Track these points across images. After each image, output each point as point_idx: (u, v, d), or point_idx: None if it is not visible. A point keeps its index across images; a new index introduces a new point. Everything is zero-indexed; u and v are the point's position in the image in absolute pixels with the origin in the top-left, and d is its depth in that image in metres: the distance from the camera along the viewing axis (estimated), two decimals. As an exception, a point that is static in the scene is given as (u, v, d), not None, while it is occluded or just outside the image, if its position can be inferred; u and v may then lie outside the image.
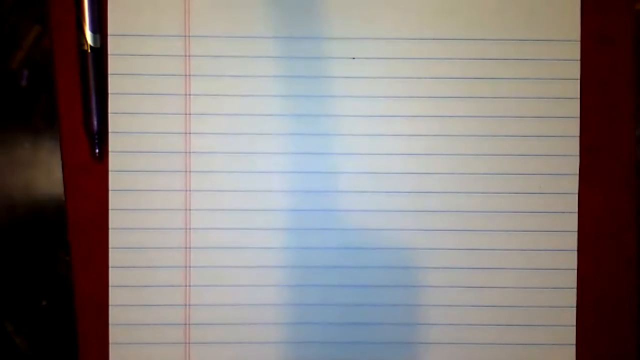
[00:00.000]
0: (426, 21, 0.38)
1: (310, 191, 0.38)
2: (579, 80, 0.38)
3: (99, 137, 0.37)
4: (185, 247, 0.37)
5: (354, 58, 0.38)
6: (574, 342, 0.38)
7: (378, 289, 0.38)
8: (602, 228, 0.38)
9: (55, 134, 0.38)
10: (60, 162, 0.38)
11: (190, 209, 0.37)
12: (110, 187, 0.37)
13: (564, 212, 0.38)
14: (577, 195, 0.38)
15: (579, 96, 0.38)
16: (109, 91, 0.37)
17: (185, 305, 0.38)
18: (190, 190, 0.37)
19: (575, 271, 0.38)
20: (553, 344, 0.38)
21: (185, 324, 0.38)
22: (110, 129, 0.37)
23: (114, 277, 0.37)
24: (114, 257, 0.37)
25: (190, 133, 0.37)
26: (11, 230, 0.38)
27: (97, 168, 0.38)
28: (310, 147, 0.38)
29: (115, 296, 0.37)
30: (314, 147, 0.38)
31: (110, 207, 0.37)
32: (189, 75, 0.37)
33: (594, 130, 0.38)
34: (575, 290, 0.38)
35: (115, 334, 0.38)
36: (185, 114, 0.37)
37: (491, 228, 0.38)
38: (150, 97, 0.37)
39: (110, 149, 0.37)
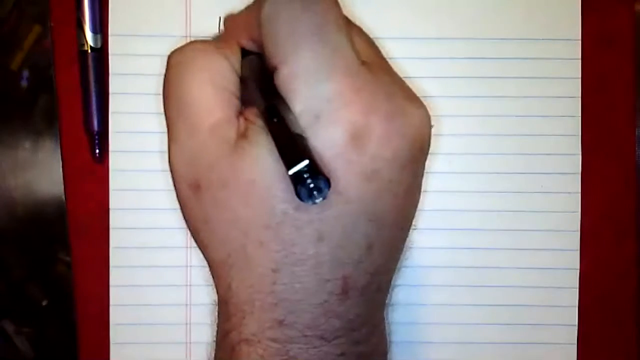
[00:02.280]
0: (426, 21, 0.38)
1: (310, 191, 0.38)
2: (580, 80, 0.38)
3: (99, 137, 0.37)
4: (186, 247, 0.37)
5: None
6: (576, 341, 0.38)
7: (379, 288, 0.38)
8: (604, 227, 0.38)
9: (55, 134, 0.38)
10: (60, 162, 0.38)
11: (191, 209, 0.37)
12: (110, 187, 0.37)
13: (566, 211, 0.38)
14: (579, 195, 0.38)
15: (580, 95, 0.38)
16: (109, 91, 0.37)
17: (186, 304, 0.38)
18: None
19: (578, 270, 0.38)
20: (555, 343, 0.38)
21: (186, 324, 0.38)
22: (110, 129, 0.37)
23: (114, 277, 0.37)
24: (114, 257, 0.37)
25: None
26: (11, 230, 0.38)
27: (97, 168, 0.38)
28: (311, 147, 0.38)
29: (115, 296, 0.37)
30: (314, 147, 0.38)
31: (110, 207, 0.37)
32: (190, 75, 0.37)
33: (594, 130, 0.38)
34: (577, 289, 0.38)
35: (115, 334, 0.37)
36: (186, 113, 0.37)
37: (493, 227, 0.38)
38: (150, 97, 0.37)
39: (110, 149, 0.37)
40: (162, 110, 0.37)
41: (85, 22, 0.37)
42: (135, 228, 0.37)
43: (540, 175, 0.38)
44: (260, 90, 0.26)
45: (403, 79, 0.27)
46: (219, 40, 0.29)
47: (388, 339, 0.29)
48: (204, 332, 0.38)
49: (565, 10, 0.38)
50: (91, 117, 0.37)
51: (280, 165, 0.24)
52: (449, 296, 0.38)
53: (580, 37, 0.38)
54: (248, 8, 0.28)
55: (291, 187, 0.24)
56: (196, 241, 0.28)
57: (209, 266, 0.27)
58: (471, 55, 0.38)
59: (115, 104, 0.37)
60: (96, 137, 0.37)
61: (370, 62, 0.26)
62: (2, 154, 0.38)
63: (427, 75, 0.38)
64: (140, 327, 0.37)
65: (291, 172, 0.22)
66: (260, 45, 0.27)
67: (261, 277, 0.25)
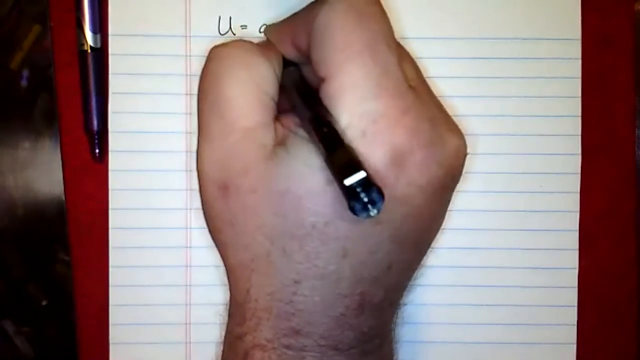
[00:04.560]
0: (426, 21, 0.38)
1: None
2: (580, 79, 0.38)
3: (99, 137, 0.37)
4: (186, 247, 0.37)
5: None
6: (575, 341, 0.38)
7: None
8: (603, 227, 0.38)
9: (55, 134, 0.38)
10: (60, 162, 0.38)
11: (190, 208, 0.37)
12: (110, 187, 0.37)
13: (565, 211, 0.38)
14: (578, 195, 0.38)
15: (580, 95, 0.38)
16: (109, 91, 0.37)
17: (186, 304, 0.38)
18: (190, 190, 0.37)
19: (577, 270, 0.38)
20: (554, 343, 0.38)
21: (186, 324, 0.38)
22: (110, 129, 0.37)
23: (114, 277, 0.37)
24: (114, 257, 0.37)
25: (190, 133, 0.37)
26: (11, 230, 0.38)
27: (97, 168, 0.38)
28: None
29: (115, 296, 0.37)
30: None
31: (110, 206, 0.37)
32: (189, 75, 0.37)
33: (594, 130, 0.38)
34: (576, 289, 0.38)
35: (115, 334, 0.37)
36: (186, 113, 0.37)
37: (492, 227, 0.38)
38: (150, 96, 0.37)
39: (110, 148, 0.37)
40: (161, 109, 0.37)
41: (85, 22, 0.37)
42: (135, 228, 0.37)
43: (539, 175, 0.38)
44: (304, 99, 0.25)
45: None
46: (261, 45, 0.28)
47: (395, 348, 0.29)
48: (204, 332, 0.38)
49: (565, 10, 0.38)
50: (91, 116, 0.37)
51: (317, 178, 0.24)
52: (448, 296, 0.38)
53: (580, 37, 0.38)
54: (296, 16, 0.27)
55: (325, 201, 0.24)
56: (216, 241, 0.27)
57: (226, 267, 0.27)
58: (470, 55, 0.38)
59: (114, 103, 0.37)
60: (96, 136, 0.37)
61: (415, 85, 0.26)
62: (2, 154, 0.38)
63: (426, 75, 0.37)
64: (140, 327, 0.37)
65: (347, 182, 0.21)
66: (305, 55, 0.27)
67: (282, 286, 0.25)
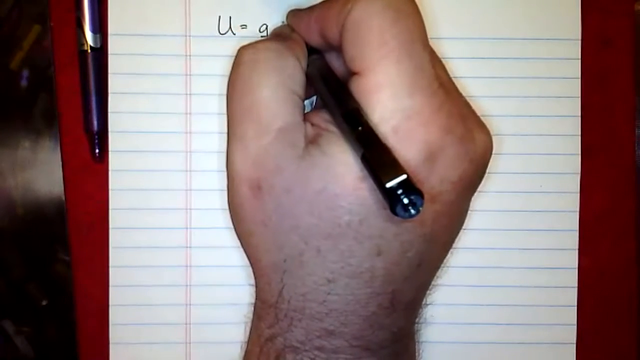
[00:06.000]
0: (426, 21, 0.38)
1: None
2: (579, 79, 0.38)
3: (99, 137, 0.37)
4: (186, 247, 0.37)
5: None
6: (575, 341, 0.38)
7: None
8: (603, 227, 0.38)
9: (55, 134, 0.38)
10: (60, 162, 0.38)
11: (190, 209, 0.37)
12: (110, 187, 0.37)
13: (565, 211, 0.38)
14: (578, 195, 0.38)
15: (579, 95, 0.38)
16: (109, 91, 0.37)
17: (186, 304, 0.38)
18: (190, 190, 0.37)
19: (576, 270, 0.38)
20: (554, 343, 0.38)
21: (186, 324, 0.38)
22: (110, 129, 0.37)
23: (114, 277, 0.37)
24: (114, 257, 0.37)
25: (190, 133, 0.37)
26: (11, 230, 0.38)
27: (97, 168, 0.38)
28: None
29: (115, 296, 0.37)
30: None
31: (110, 206, 0.37)
32: (189, 75, 0.37)
33: (594, 130, 0.38)
34: (576, 289, 0.38)
35: (115, 334, 0.37)
36: (186, 113, 0.37)
37: (492, 227, 0.38)
38: (150, 96, 0.37)
39: (110, 148, 0.37)
40: (161, 109, 0.37)
41: (84, 22, 0.37)
42: (135, 228, 0.37)
43: (539, 175, 0.38)
44: (333, 93, 0.25)
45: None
46: (285, 38, 0.28)
47: (419, 349, 0.29)
48: (204, 332, 0.38)
49: (565, 10, 0.38)
50: (91, 116, 0.37)
51: (352, 176, 0.24)
52: (448, 295, 0.38)
53: (580, 37, 0.38)
54: (325, 6, 0.27)
55: (360, 199, 0.23)
56: (245, 242, 0.27)
57: (255, 268, 0.27)
58: (470, 55, 0.38)
59: (114, 103, 0.37)
60: (96, 136, 0.37)
61: (444, 83, 0.26)
62: (2, 154, 0.38)
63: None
64: (140, 327, 0.37)
65: (389, 185, 0.22)
66: (332, 45, 0.27)
67: (315, 286, 0.25)
